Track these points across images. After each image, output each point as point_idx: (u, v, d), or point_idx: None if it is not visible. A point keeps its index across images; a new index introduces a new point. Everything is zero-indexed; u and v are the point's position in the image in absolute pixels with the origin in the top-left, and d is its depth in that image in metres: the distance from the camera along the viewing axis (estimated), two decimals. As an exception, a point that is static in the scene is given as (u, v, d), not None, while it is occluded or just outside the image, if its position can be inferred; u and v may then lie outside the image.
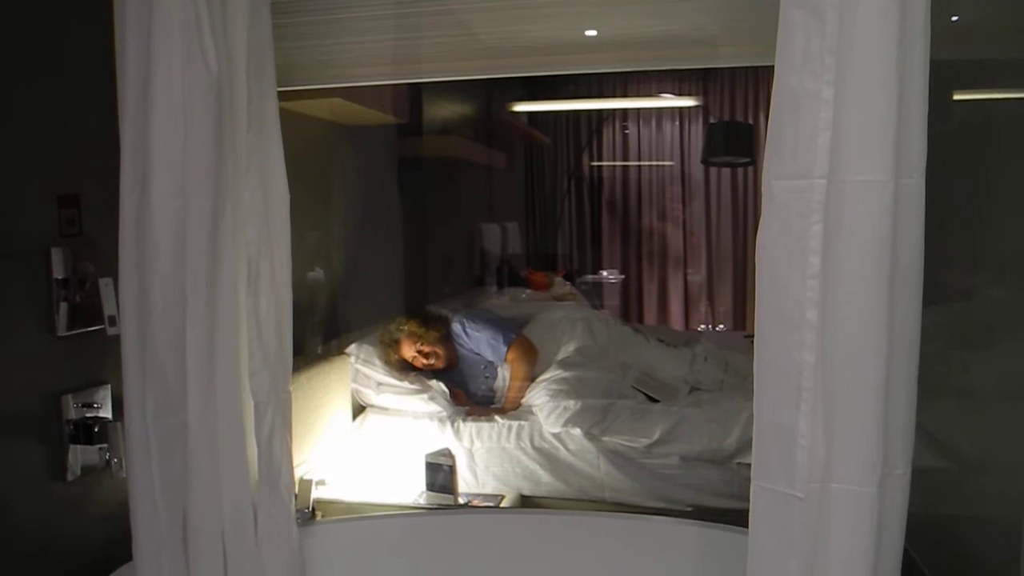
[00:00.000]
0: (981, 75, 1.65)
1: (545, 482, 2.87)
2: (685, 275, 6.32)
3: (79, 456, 1.81)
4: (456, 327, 3.40)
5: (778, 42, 1.18)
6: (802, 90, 1.16)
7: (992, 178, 1.59)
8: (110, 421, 1.83)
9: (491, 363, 3.39)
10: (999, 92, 1.62)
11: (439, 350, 3.33)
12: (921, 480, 1.28)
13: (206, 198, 1.50)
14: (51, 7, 1.76)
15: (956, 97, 1.73)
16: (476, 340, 3.41)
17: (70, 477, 1.79)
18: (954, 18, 1.65)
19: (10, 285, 1.69)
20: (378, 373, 3.20)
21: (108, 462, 1.82)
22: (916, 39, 1.13)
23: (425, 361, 3.31)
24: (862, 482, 1.20)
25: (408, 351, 3.29)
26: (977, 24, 1.66)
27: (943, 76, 1.26)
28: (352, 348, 3.22)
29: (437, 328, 3.36)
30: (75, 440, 1.79)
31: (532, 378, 3.33)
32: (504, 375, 3.37)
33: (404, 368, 3.31)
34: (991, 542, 1.53)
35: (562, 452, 2.88)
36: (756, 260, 1.25)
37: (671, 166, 6.30)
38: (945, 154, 1.29)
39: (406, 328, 3.31)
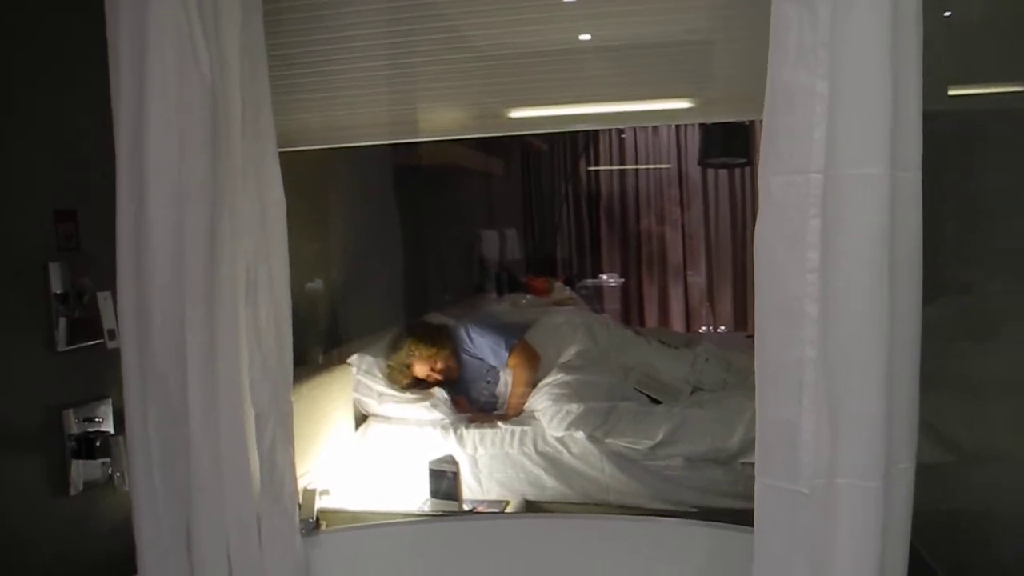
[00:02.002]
0: (976, 70, 1.65)
1: (549, 487, 2.86)
2: (685, 277, 6.32)
3: (81, 471, 1.80)
4: (461, 332, 3.40)
5: (771, 37, 1.18)
6: (796, 85, 1.16)
7: (990, 171, 1.58)
8: (112, 435, 1.83)
9: (493, 368, 3.39)
10: (995, 87, 1.62)
11: (451, 363, 3.35)
12: (927, 475, 1.28)
13: (202, 208, 1.49)
14: (47, 22, 1.76)
15: (952, 92, 1.73)
16: (480, 345, 3.41)
17: (73, 492, 1.79)
18: (947, 13, 1.65)
19: (9, 301, 1.69)
20: (379, 383, 3.20)
21: (111, 476, 1.82)
22: (909, 31, 1.13)
23: (439, 377, 3.32)
24: (867, 476, 1.19)
25: (422, 371, 3.30)
26: (971, 19, 1.66)
27: (938, 71, 1.26)
28: (354, 358, 3.22)
29: (444, 343, 3.37)
30: (77, 455, 1.79)
31: (534, 384, 3.32)
32: (506, 380, 3.37)
33: (415, 385, 3.31)
34: (999, 536, 1.52)
35: (566, 456, 2.87)
36: (754, 256, 1.24)
37: (668, 169, 6.31)
38: (943, 149, 1.29)
39: (417, 352, 3.31)
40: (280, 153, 1.67)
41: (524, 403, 3.23)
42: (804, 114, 1.16)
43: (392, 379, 3.28)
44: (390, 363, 3.32)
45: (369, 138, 2.67)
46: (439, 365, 3.32)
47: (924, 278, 1.20)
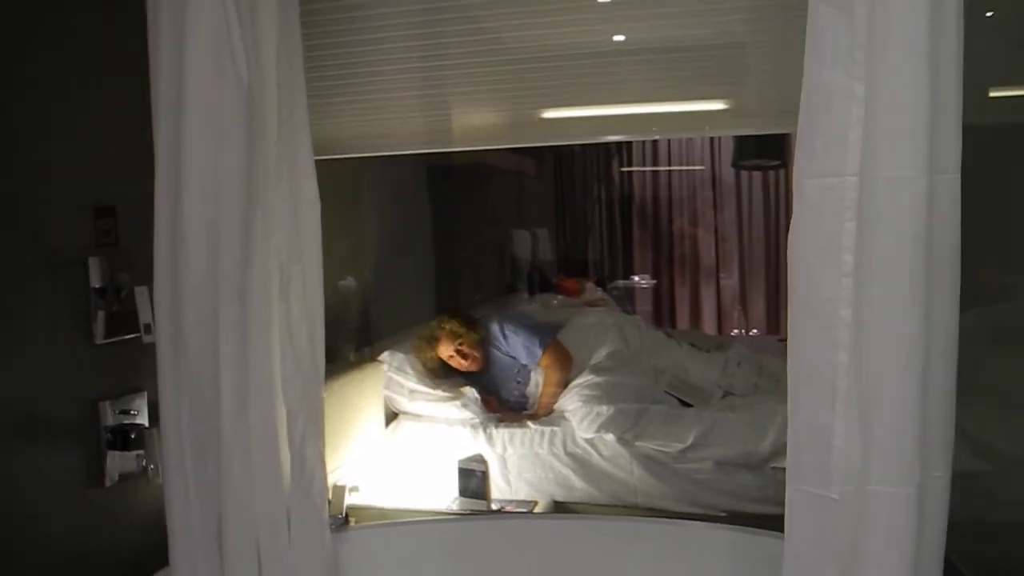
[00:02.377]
0: (1019, 71, 1.62)
1: (578, 488, 2.85)
2: (717, 280, 6.27)
3: (117, 462, 1.83)
4: (494, 328, 3.40)
5: (807, 39, 1.17)
6: (833, 87, 1.15)
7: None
8: (146, 428, 1.85)
9: (524, 367, 3.39)
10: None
11: (476, 353, 3.33)
12: (964, 484, 1.26)
13: (238, 206, 1.51)
14: (86, 20, 1.79)
15: (992, 94, 1.70)
16: (513, 343, 3.40)
17: (108, 483, 1.82)
18: (989, 13, 1.63)
19: (49, 294, 1.72)
20: (411, 380, 3.21)
21: (145, 468, 1.84)
22: (949, 33, 1.11)
23: (462, 361, 3.32)
24: (900, 483, 1.18)
25: (446, 350, 3.30)
26: (1013, 19, 1.63)
27: (979, 73, 1.24)
28: (385, 355, 3.24)
29: (477, 331, 3.37)
30: (112, 446, 1.82)
31: (566, 384, 3.32)
32: (537, 380, 3.36)
33: (437, 367, 3.32)
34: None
35: (595, 458, 2.87)
36: (788, 259, 1.23)
37: (701, 170, 6.27)
38: (983, 152, 1.27)
39: (448, 327, 3.32)
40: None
41: (555, 403, 3.23)
42: (840, 116, 1.15)
43: (417, 352, 3.30)
44: (419, 334, 3.34)
45: (402, 146, 2.69)
46: (464, 349, 3.31)
47: (963, 283, 1.19)
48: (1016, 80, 1.65)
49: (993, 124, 1.64)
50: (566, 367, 3.38)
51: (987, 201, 1.53)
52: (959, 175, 1.14)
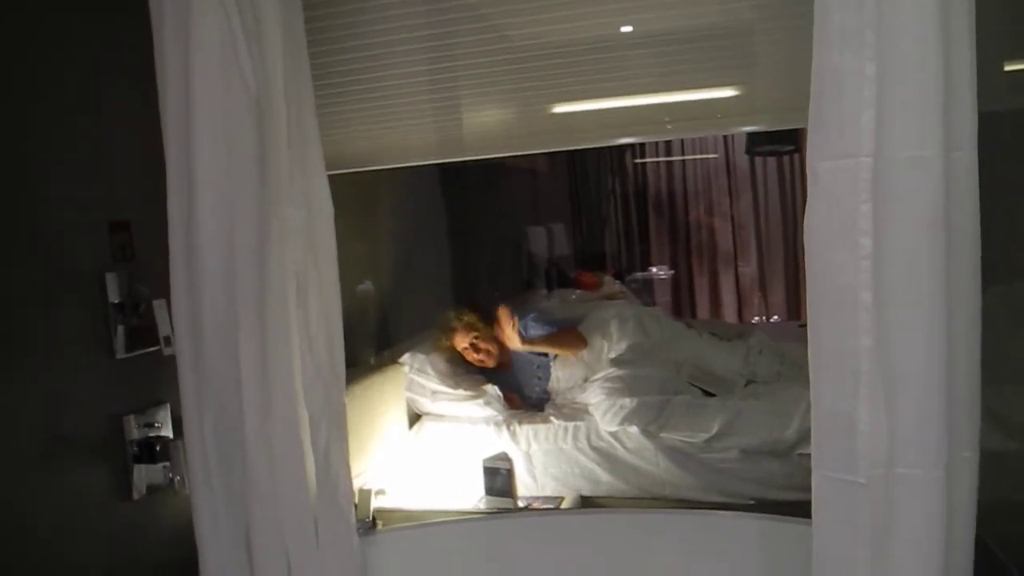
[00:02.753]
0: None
1: (604, 481, 2.85)
2: (736, 268, 6.25)
3: (144, 475, 1.85)
4: (518, 326, 3.40)
5: (815, 20, 1.15)
6: (843, 68, 1.13)
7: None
8: (171, 440, 1.86)
9: (545, 363, 3.38)
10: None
11: (492, 348, 3.33)
12: (995, 464, 1.24)
13: (251, 215, 1.51)
14: (94, 35, 1.80)
15: (1007, 68, 1.67)
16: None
17: (136, 496, 1.83)
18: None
19: (69, 312, 1.74)
20: (432, 381, 3.22)
21: (171, 480, 1.85)
22: (960, 7, 1.09)
23: (476, 355, 3.32)
24: (928, 466, 1.16)
25: (462, 341, 3.31)
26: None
27: (992, 46, 1.22)
28: (406, 357, 3.24)
29: (491, 325, 3.37)
30: (139, 460, 1.83)
31: (584, 379, 3.32)
32: (558, 375, 3.36)
33: (454, 361, 3.32)
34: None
35: (620, 451, 2.86)
36: (805, 244, 1.22)
37: (715, 159, 6.24)
38: (999, 127, 1.25)
39: (465, 319, 3.34)
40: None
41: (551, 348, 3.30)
42: (852, 97, 1.13)
43: (434, 342, 3.32)
44: (437, 323, 3.37)
45: (414, 157, 2.69)
46: (479, 343, 3.32)
47: (984, 262, 1.17)
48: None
49: (1009, 102, 1.62)
50: (575, 344, 3.39)
51: (1005, 179, 1.51)
52: (976, 152, 1.13)
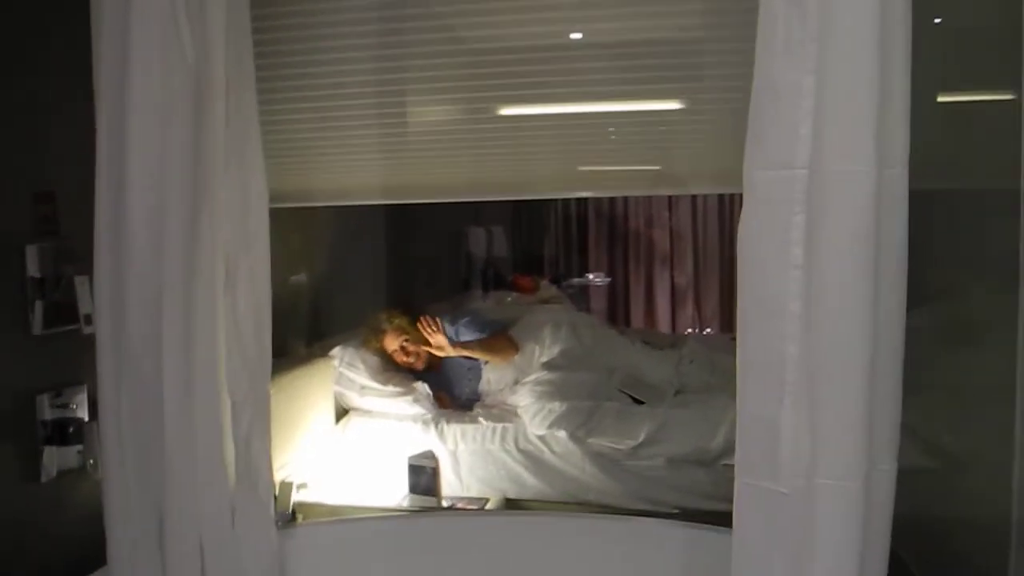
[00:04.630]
0: (966, 77, 1.65)
1: (530, 485, 2.85)
2: (672, 278, 6.32)
3: (55, 457, 1.78)
4: (448, 328, 3.38)
5: (758, 31, 1.17)
6: (783, 79, 1.15)
7: (975, 179, 1.58)
8: (86, 422, 1.80)
9: (476, 365, 3.38)
10: (983, 94, 1.62)
11: (422, 352, 3.31)
12: (909, 480, 1.27)
13: (183, 194, 1.47)
14: (23, 1, 1.73)
15: (941, 99, 1.72)
16: (464, 339, 3.39)
17: (44, 478, 1.77)
18: (937, 20, 1.65)
19: (-17, 283, 1.67)
20: (362, 377, 3.18)
21: (85, 463, 1.79)
22: (897, 29, 1.12)
23: (406, 358, 3.30)
24: (847, 477, 1.18)
25: (392, 343, 3.29)
26: (960, 26, 1.66)
27: (928, 78, 1.25)
28: (336, 351, 3.20)
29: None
30: (50, 441, 1.77)
31: (515, 381, 3.32)
32: (488, 377, 3.35)
33: (385, 360, 3.29)
34: (979, 541, 1.52)
35: (547, 454, 2.86)
36: (738, 251, 1.23)
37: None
38: (930, 157, 1.28)
39: (396, 322, 3.31)
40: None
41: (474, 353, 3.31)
42: (790, 109, 1.15)
43: (365, 342, 3.30)
44: (368, 323, 3.34)
45: (363, 195, 2.64)
46: (409, 347, 3.30)
47: (910, 282, 1.19)
48: (963, 85, 1.68)
49: (940, 128, 1.67)
50: (505, 350, 3.39)
51: (933, 205, 1.55)
52: (907, 170, 1.15)
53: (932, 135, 1.44)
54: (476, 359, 3.37)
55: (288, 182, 2.39)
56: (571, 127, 2.42)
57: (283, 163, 2.33)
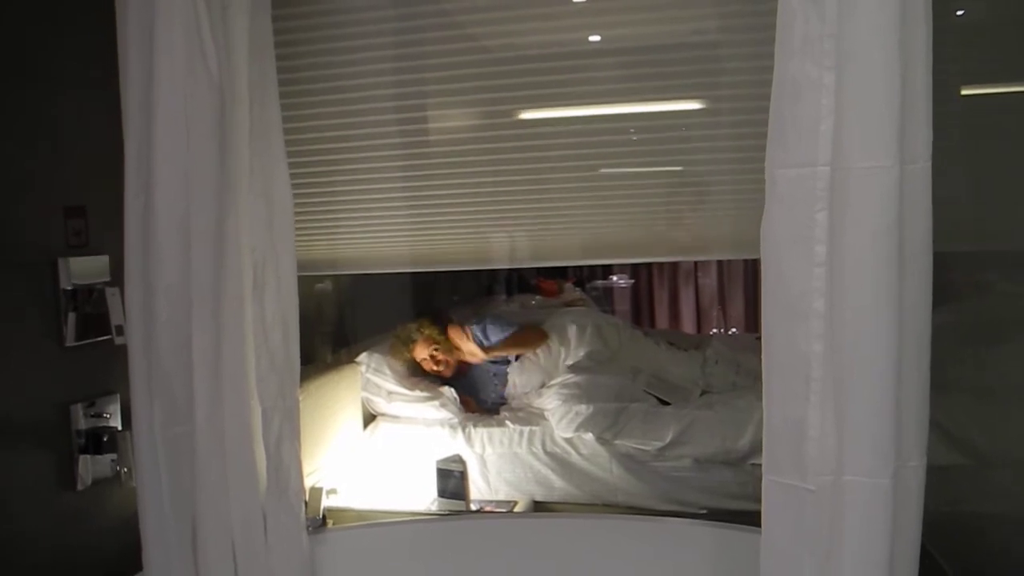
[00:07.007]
0: (989, 70, 1.64)
1: (558, 487, 2.85)
2: (696, 279, 6.28)
3: (90, 466, 1.81)
4: (476, 332, 3.40)
5: (777, 29, 1.17)
6: (802, 77, 1.15)
7: (1002, 173, 1.57)
8: (119, 431, 1.83)
9: (502, 369, 3.39)
10: (1007, 86, 1.61)
11: (451, 359, 3.34)
12: (940, 477, 1.26)
13: (210, 205, 1.50)
14: (52, 18, 1.77)
15: (964, 92, 1.71)
16: (492, 343, 3.41)
17: (80, 487, 1.79)
18: (959, 12, 1.64)
19: (19, 296, 1.70)
20: (389, 382, 3.20)
21: (118, 472, 1.82)
22: (918, 23, 1.11)
23: (435, 367, 3.31)
24: (875, 474, 1.18)
25: (422, 352, 3.31)
26: (983, 19, 1.65)
27: (951, 71, 1.25)
28: (363, 357, 3.22)
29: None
30: (84, 450, 1.80)
31: (541, 384, 3.32)
32: (515, 381, 3.36)
33: (412, 368, 3.31)
34: (1011, 538, 1.51)
35: (574, 457, 2.87)
36: (761, 251, 1.23)
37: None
38: (954, 150, 1.27)
39: (426, 332, 3.33)
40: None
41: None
42: (810, 106, 1.15)
43: (393, 351, 3.31)
44: (397, 333, 3.35)
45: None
46: (439, 356, 3.32)
47: (936, 280, 1.19)
48: (986, 78, 1.66)
49: (964, 122, 1.65)
50: (532, 340, 3.41)
51: (959, 200, 1.54)
52: (930, 164, 1.15)
53: (956, 128, 1.43)
54: (503, 364, 3.39)
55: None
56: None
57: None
